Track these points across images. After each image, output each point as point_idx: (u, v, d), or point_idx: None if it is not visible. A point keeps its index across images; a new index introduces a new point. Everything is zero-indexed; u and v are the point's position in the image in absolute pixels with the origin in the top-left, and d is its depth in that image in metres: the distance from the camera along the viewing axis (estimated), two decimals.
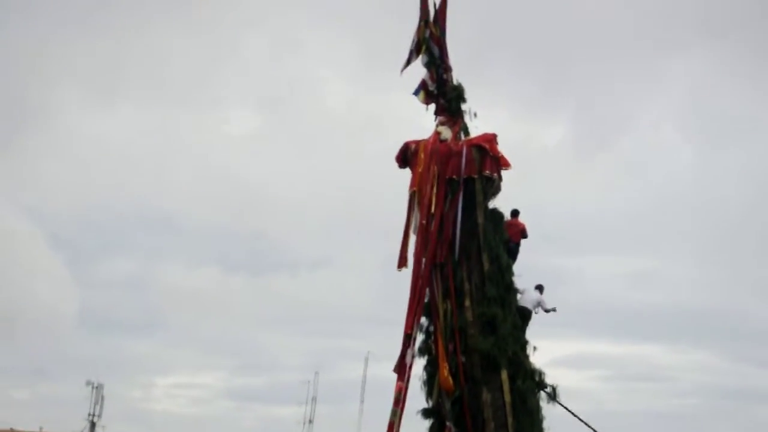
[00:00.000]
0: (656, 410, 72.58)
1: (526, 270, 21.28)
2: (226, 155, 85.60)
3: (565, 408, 20.17)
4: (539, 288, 20.89)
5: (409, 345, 19.60)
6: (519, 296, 20.36)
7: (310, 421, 55.42)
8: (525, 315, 20.41)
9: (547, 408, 20.09)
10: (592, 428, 20.07)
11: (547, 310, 20.77)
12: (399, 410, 19.42)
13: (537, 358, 20.31)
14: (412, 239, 20.08)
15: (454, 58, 21.13)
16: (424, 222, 19.80)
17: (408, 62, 20.89)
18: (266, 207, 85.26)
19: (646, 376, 79.57)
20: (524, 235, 20.78)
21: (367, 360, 51.80)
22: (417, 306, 19.66)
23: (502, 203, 20.72)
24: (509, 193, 20.82)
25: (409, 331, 19.47)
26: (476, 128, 20.80)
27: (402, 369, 19.60)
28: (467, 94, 20.97)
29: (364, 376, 53.56)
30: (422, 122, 21.21)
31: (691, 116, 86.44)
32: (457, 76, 21.17)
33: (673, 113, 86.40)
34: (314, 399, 56.22)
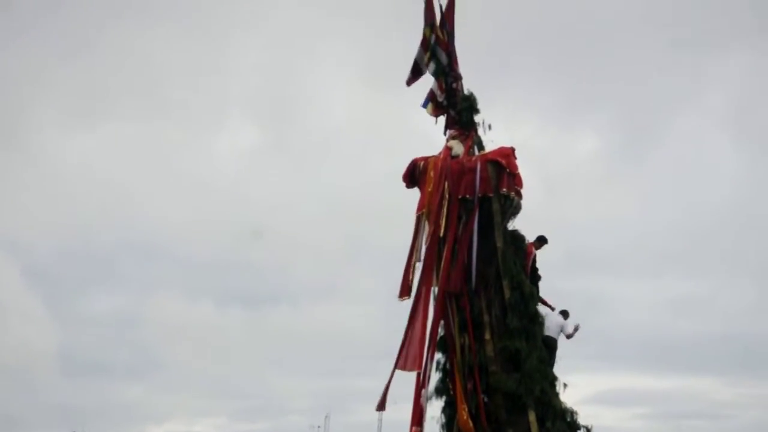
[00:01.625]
0: None
1: (555, 295, 19.47)
2: (220, 175, 79.96)
3: None
4: (564, 313, 18.91)
5: (422, 384, 17.72)
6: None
7: None
8: (551, 346, 18.45)
9: None
10: None
11: (569, 336, 18.75)
12: None
13: (568, 396, 18.44)
14: (419, 267, 18.21)
15: (470, 63, 19.45)
16: (427, 246, 17.94)
17: (414, 72, 19.12)
18: (262, 232, 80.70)
19: (697, 413, 72.94)
20: (531, 265, 18.74)
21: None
22: (431, 340, 17.78)
23: (529, 224, 18.95)
24: (536, 210, 18.96)
25: (418, 369, 17.57)
26: (491, 142, 18.99)
27: (416, 412, 17.71)
28: (482, 104, 19.15)
29: (380, 420, 50.29)
30: (434, 137, 19.42)
31: (740, 122, 79.95)
32: (476, 82, 19.47)
33: (720, 119, 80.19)
34: None
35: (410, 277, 18.34)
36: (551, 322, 18.62)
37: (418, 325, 17.98)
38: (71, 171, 77.78)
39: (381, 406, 18.30)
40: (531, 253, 18.81)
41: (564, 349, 19.16)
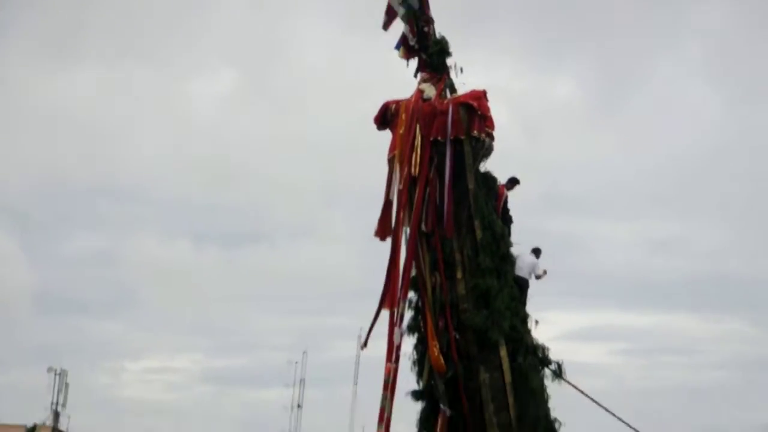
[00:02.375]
0: (685, 384, 67.67)
1: (535, 235, 19.75)
2: (198, 118, 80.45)
3: (573, 386, 18.65)
4: (536, 252, 19.26)
5: (396, 322, 18.22)
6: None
7: (299, 406, 52.66)
8: (522, 285, 18.82)
9: (552, 387, 18.67)
10: (602, 406, 18.73)
11: (538, 277, 19.11)
12: (389, 394, 18.13)
13: (546, 333, 18.95)
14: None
15: (447, 5, 19.55)
16: (401, 188, 18.26)
17: (389, 15, 19.29)
18: (241, 173, 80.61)
19: (672, 349, 73.91)
20: (503, 207, 19.00)
21: (359, 338, 48.33)
22: (404, 279, 18.21)
23: (508, 166, 19.13)
24: (515, 153, 19.22)
25: (392, 307, 18.05)
26: (464, 84, 19.12)
27: (390, 349, 18.24)
28: (459, 47, 19.27)
29: (357, 356, 50.80)
30: (411, 81, 19.61)
31: (720, 67, 79.50)
32: (452, 24, 19.61)
33: (700, 63, 79.83)
34: (303, 381, 53.45)
35: (387, 219, 18.74)
36: (523, 262, 18.95)
37: (393, 265, 18.43)
38: (49, 111, 78.11)
39: (365, 345, 18.94)
40: (503, 194, 19.10)
41: (542, 286, 19.60)
